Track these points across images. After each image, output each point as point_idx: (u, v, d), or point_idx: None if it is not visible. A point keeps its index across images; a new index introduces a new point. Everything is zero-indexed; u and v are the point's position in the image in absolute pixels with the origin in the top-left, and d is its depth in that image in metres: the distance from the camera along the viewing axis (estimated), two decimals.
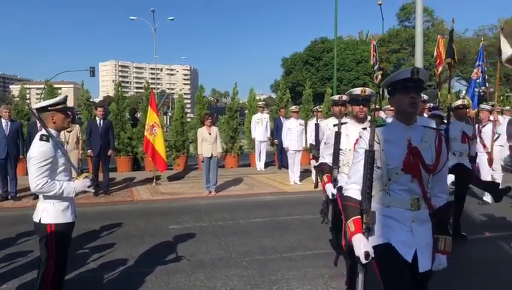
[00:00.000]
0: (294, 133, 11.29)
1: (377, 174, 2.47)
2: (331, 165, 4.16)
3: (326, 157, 4.34)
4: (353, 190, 2.54)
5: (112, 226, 7.22)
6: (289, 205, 8.99)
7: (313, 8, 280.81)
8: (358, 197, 2.49)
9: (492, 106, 9.15)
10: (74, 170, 3.75)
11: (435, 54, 9.49)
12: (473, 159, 6.44)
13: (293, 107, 12.35)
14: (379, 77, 9.16)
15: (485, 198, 8.93)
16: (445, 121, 6.63)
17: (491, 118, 8.46)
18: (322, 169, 4.38)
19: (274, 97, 33.49)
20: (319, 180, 4.58)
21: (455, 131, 6.28)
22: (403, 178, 2.44)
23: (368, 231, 2.38)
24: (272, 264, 5.33)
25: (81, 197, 8.76)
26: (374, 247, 2.38)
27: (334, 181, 4.09)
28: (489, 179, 8.67)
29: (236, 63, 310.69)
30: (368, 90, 4.00)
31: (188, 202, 9.38)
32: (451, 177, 7.01)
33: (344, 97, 4.87)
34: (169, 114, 31.26)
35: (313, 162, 5.73)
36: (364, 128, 2.66)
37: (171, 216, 8.03)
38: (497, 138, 8.21)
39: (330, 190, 4.11)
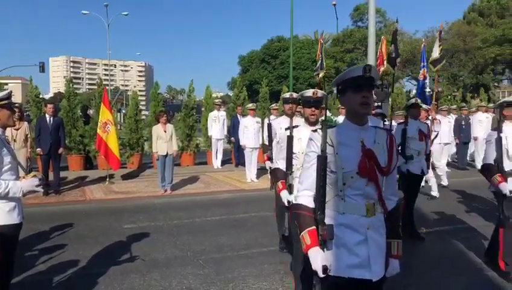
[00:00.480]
0: (251, 131, 11.34)
1: (331, 179, 2.30)
2: (284, 170, 4.08)
3: (279, 162, 4.23)
4: (305, 197, 2.37)
5: (62, 227, 6.99)
6: (246, 202, 9.02)
7: (269, 6, 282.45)
8: (311, 204, 2.33)
9: (435, 105, 9.51)
10: (22, 169, 3.60)
11: (377, 54, 9.78)
12: (428, 157, 6.61)
13: (250, 105, 12.39)
14: (320, 75, 9.30)
15: (432, 193, 9.31)
16: (392, 121, 6.84)
17: (430, 117, 8.79)
18: (275, 175, 4.27)
19: (231, 95, 33.46)
20: (273, 185, 4.47)
21: (412, 130, 6.38)
22: (358, 182, 2.29)
23: (324, 244, 2.23)
24: (228, 262, 5.33)
25: (29, 197, 8.37)
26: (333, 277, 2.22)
27: (290, 187, 3.99)
28: (431, 175, 9.09)
29: (192, 60, 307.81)
30: (320, 93, 3.94)
31: (143, 201, 9.22)
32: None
33: (295, 95, 4.85)
34: (123, 111, 30.58)
35: (268, 163, 5.69)
36: (315, 131, 2.43)
37: (125, 215, 7.87)
38: (436, 136, 8.53)
39: (286, 197, 4.02)
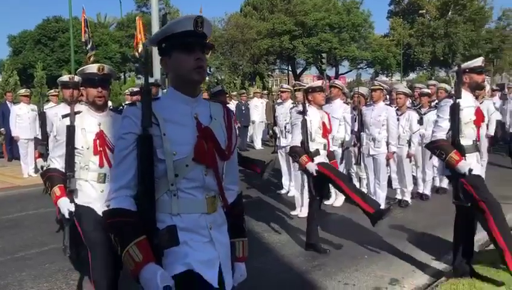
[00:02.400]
0: (25, 120, 10.18)
1: (158, 171, 1.74)
2: (63, 171, 3.20)
3: (56, 161, 3.26)
4: (123, 198, 1.73)
5: None
6: (23, 199, 8.11)
7: None
8: (134, 207, 1.72)
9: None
10: None
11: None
12: None
13: (23, 90, 11.11)
14: (92, 57, 8.97)
15: None
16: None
17: None
18: (50, 179, 3.25)
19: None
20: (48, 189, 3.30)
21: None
22: (195, 171, 1.78)
23: (162, 255, 1.69)
24: (1, 268, 4.72)
25: None
26: (173, 277, 1.65)
27: (71, 193, 3.17)
28: None
29: None
30: (107, 68, 3.25)
31: None
32: None
33: (76, 78, 3.89)
34: None
35: (40, 162, 4.75)
36: (132, 104, 1.85)
37: None
38: None
39: (66, 206, 3.13)
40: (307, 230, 5.10)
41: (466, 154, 3.78)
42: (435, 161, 6.96)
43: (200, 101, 1.91)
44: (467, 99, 3.91)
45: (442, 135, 3.88)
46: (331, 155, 5.21)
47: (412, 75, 52.27)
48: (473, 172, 3.74)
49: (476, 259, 4.21)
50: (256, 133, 15.55)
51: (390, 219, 5.50)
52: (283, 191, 8.21)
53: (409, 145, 6.95)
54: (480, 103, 8.30)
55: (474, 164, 3.87)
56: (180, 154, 1.76)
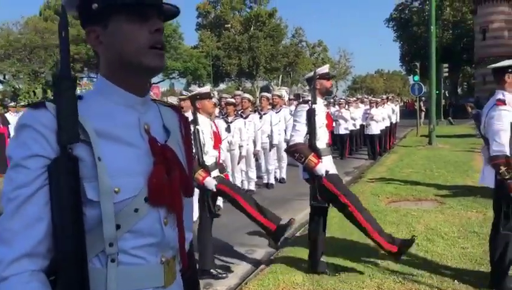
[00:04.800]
0: None
1: (87, 221, 1.02)
2: None
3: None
4: (26, 277, 0.97)
5: None
6: None
7: None
8: (47, 287, 1.00)
9: None
10: None
11: None
12: None
13: None
14: None
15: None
16: None
17: None
18: None
19: None
20: None
21: None
22: (148, 219, 1.11)
23: None
24: None
25: None
26: None
27: None
28: None
29: None
30: None
31: None
32: None
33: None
34: None
35: None
36: (37, 105, 1.05)
37: None
38: None
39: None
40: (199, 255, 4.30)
41: (322, 157, 3.96)
42: (243, 165, 7.41)
43: (150, 105, 1.22)
44: (319, 105, 4.12)
45: (300, 138, 3.99)
46: (221, 167, 4.76)
47: (222, 86, 55.29)
48: (330, 172, 3.99)
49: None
50: None
51: None
52: None
53: None
54: (277, 112, 9.29)
55: (330, 165, 4.11)
56: (125, 191, 1.05)
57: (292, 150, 4.03)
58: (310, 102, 4.04)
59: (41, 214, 0.99)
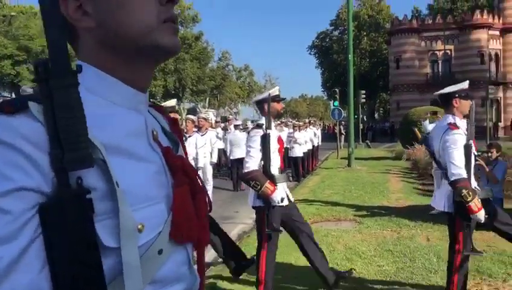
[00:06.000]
0: None
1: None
2: None
3: None
4: None
5: None
6: None
7: None
8: None
9: None
10: None
11: None
12: None
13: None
14: None
15: None
16: None
17: None
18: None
19: None
20: None
21: None
22: (172, 262, 0.78)
23: None
24: None
25: None
26: None
27: None
28: None
29: None
30: None
31: None
32: None
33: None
34: None
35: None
36: (16, 109, 0.63)
37: None
38: None
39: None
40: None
41: (277, 183, 3.79)
42: None
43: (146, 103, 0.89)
44: (272, 129, 3.97)
45: (254, 165, 3.81)
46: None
47: None
48: (284, 199, 3.86)
49: None
50: None
51: None
52: None
53: None
54: (202, 135, 9.33)
55: (284, 191, 3.94)
56: (150, 228, 0.73)
57: (247, 178, 3.79)
58: (263, 127, 3.86)
59: (38, 287, 0.59)
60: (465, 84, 3.67)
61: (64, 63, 0.62)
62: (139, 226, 0.70)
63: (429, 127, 8.41)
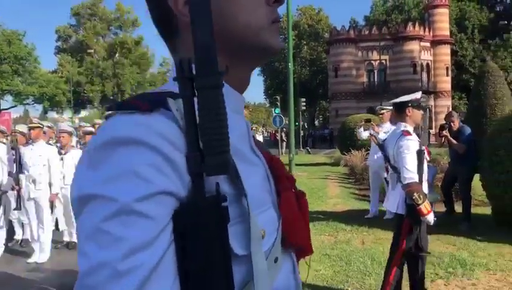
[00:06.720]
0: None
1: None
2: None
3: None
4: None
5: None
6: None
7: None
8: None
9: None
10: None
11: None
12: None
13: None
14: None
15: None
16: None
17: None
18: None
19: None
20: None
21: None
22: (283, 271, 0.75)
23: None
24: None
25: None
26: None
27: None
28: None
29: None
30: None
31: None
32: None
33: None
34: None
35: None
36: (153, 106, 0.60)
37: None
38: None
39: None
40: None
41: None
42: None
43: None
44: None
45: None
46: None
47: (84, 113, 52.27)
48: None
49: None
50: None
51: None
52: None
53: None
54: None
55: None
56: (269, 234, 0.70)
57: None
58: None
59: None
60: (417, 95, 3.85)
61: (212, 62, 0.59)
62: (262, 232, 0.67)
63: (363, 134, 8.71)
